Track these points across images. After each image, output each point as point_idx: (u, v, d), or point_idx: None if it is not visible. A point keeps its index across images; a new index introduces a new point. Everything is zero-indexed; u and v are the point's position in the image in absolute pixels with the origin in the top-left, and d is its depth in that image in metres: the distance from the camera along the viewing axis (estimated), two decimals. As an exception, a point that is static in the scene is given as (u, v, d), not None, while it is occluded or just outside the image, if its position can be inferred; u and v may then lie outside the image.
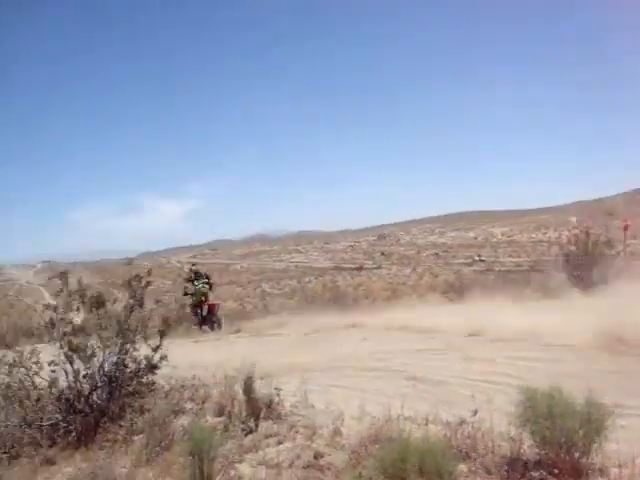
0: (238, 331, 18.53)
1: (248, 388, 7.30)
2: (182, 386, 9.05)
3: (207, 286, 20.60)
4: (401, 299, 26.28)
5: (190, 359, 14.08)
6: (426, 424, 5.68)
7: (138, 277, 8.60)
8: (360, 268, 68.31)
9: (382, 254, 71.97)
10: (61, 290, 8.67)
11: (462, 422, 5.69)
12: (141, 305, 8.53)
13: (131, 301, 8.53)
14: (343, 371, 9.24)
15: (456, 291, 28.84)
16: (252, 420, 7.01)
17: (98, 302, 8.34)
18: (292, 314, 21.80)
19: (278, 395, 7.35)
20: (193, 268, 22.35)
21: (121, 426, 7.83)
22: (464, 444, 5.34)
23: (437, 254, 66.39)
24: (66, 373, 8.22)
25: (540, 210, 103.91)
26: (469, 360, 9.03)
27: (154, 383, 8.86)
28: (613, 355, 8.86)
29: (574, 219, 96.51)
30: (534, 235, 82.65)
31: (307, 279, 73.15)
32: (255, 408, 7.16)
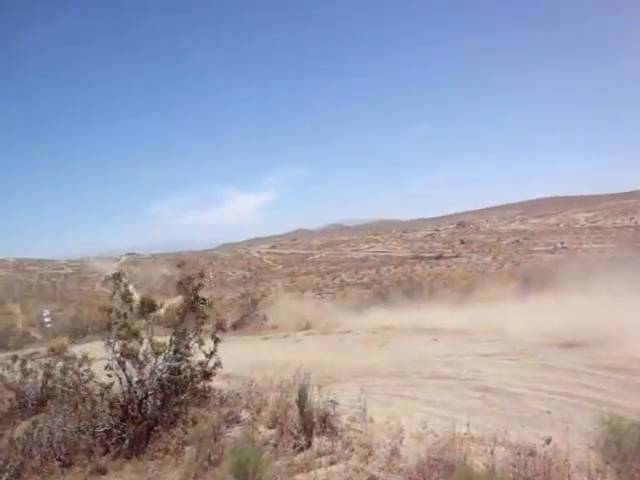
0: (308, 327, 18.13)
1: (302, 400, 6.78)
2: (237, 394, 8.61)
3: None
4: (480, 290, 25.04)
5: (256, 358, 13.76)
6: (491, 452, 4.95)
7: (190, 279, 8.17)
8: (439, 257, 67.11)
9: (462, 242, 70.52)
10: (114, 293, 8.38)
11: (532, 452, 4.93)
12: (193, 309, 8.11)
13: (184, 305, 8.13)
14: (409, 378, 8.55)
15: (538, 281, 27.53)
16: (305, 435, 6.48)
17: (148, 306, 7.98)
18: (364, 309, 21.16)
19: (334, 408, 6.78)
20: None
21: (173, 436, 7.50)
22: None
23: (518, 241, 64.47)
24: (119, 379, 7.95)
25: (626, 194, 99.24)
26: (546, 369, 8.02)
27: (209, 390, 8.48)
28: None
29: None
30: (619, 220, 78.76)
31: (385, 268, 72.48)
32: (309, 422, 6.63)
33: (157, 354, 8.17)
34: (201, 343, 8.49)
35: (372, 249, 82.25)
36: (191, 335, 8.47)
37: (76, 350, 8.80)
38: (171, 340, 8.36)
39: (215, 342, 8.45)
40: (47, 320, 36.49)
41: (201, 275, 8.32)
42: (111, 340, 8.17)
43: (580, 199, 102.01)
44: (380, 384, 8.32)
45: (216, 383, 9.70)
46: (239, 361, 13.87)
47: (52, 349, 17.57)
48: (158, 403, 8.12)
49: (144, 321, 8.37)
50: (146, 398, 8.05)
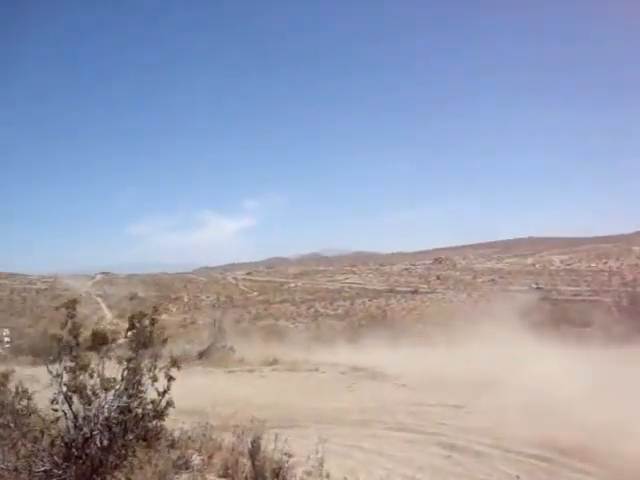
0: (275, 362, 17.59)
1: (255, 451, 6.31)
2: (189, 437, 8.08)
3: None
4: (455, 329, 24.74)
5: (218, 393, 13.27)
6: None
7: (142, 315, 7.69)
8: (415, 291, 66.81)
9: (437, 278, 70.25)
10: (66, 323, 7.86)
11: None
12: (146, 345, 7.62)
13: (135, 341, 7.63)
14: (372, 427, 8.09)
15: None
16: (256, 490, 6.01)
17: (100, 339, 7.49)
18: (334, 344, 20.69)
19: (288, 461, 6.30)
20: None
21: (117, 480, 6.96)
22: None
23: (494, 280, 64.41)
24: (65, 414, 7.41)
25: (601, 238, 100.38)
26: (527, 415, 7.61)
27: (161, 430, 7.95)
28: None
29: (637, 249, 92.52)
30: (594, 264, 79.40)
31: (360, 301, 72.00)
32: (261, 474, 6.16)
33: (106, 390, 7.66)
34: (154, 380, 8.00)
35: (348, 280, 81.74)
36: (144, 371, 7.96)
37: (35, 372, 8.18)
38: (122, 376, 7.84)
39: (169, 380, 7.96)
40: (6, 340, 35.28)
41: (155, 310, 7.85)
42: (59, 372, 7.63)
43: (555, 241, 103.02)
44: (341, 433, 7.85)
45: (172, 418, 9.17)
46: (201, 395, 13.35)
47: None
48: (104, 443, 7.58)
49: (96, 353, 7.88)
50: (91, 437, 7.50)
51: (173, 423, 8.45)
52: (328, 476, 6.26)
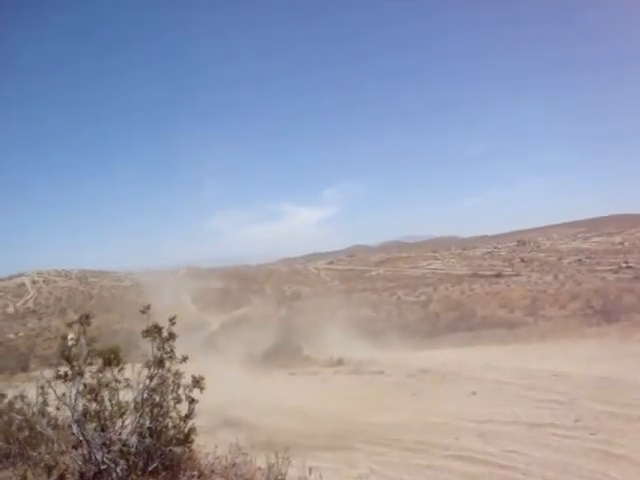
0: (339, 364, 16.50)
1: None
2: (212, 470, 7.03)
3: None
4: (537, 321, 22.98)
5: (273, 400, 12.35)
6: None
7: (158, 329, 6.68)
8: (498, 275, 64.52)
9: (522, 260, 67.57)
10: (78, 340, 6.95)
11: None
12: (162, 364, 6.62)
13: (154, 359, 6.65)
14: (430, 454, 6.79)
15: (603, 312, 25.10)
16: None
17: (109, 359, 6.53)
18: (406, 341, 19.43)
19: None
20: None
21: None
22: None
23: (580, 260, 61.25)
24: (79, 440, 6.52)
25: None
26: (608, 456, 5.78)
27: (190, 457, 6.96)
28: None
29: None
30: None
31: (443, 287, 70.16)
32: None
33: (122, 415, 6.70)
34: (178, 401, 6.99)
35: (430, 266, 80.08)
36: (166, 391, 6.96)
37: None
38: (142, 398, 6.86)
39: (191, 403, 6.94)
40: (70, 344, 35.66)
41: (172, 322, 6.83)
42: (72, 396, 6.73)
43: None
44: (393, 461, 6.64)
45: (220, 434, 8.21)
46: (255, 402, 12.49)
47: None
48: (120, 474, 6.64)
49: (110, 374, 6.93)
50: (107, 468, 6.56)
51: (215, 439, 7.45)
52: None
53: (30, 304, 74.69)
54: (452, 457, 6.52)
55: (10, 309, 72.12)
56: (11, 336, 53.68)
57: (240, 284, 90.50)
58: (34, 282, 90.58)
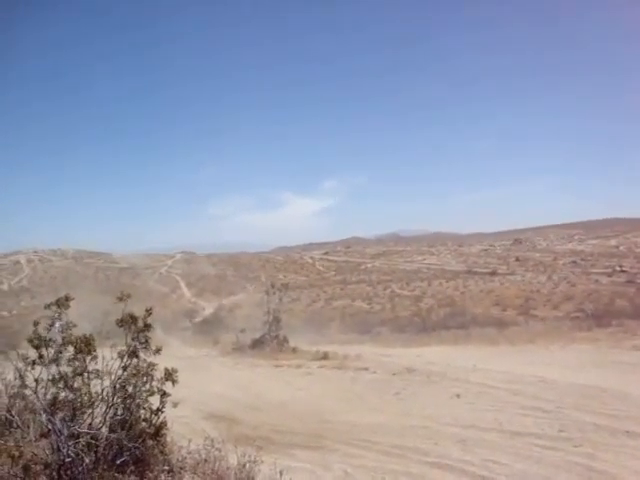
0: (324, 358, 16.35)
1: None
2: (181, 468, 6.81)
3: None
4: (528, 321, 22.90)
5: (256, 393, 12.19)
6: None
7: (133, 319, 6.47)
8: (493, 273, 64.49)
9: (517, 259, 67.52)
10: (52, 324, 6.74)
11: None
12: (136, 355, 6.42)
13: (128, 350, 6.44)
14: (407, 460, 6.55)
15: (595, 316, 24.95)
16: None
17: (82, 349, 6.32)
18: (397, 335, 19.29)
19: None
20: None
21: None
22: None
23: (575, 262, 61.22)
24: (48, 430, 6.33)
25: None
26: (590, 472, 5.43)
27: (162, 451, 6.76)
28: None
29: None
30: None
31: (437, 282, 70.11)
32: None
33: (92, 405, 6.51)
34: (150, 394, 6.78)
35: (426, 261, 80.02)
36: (138, 383, 6.77)
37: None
38: (115, 388, 6.67)
39: (162, 396, 6.74)
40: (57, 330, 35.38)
41: (148, 313, 6.61)
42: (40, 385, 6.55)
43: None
44: (370, 465, 6.44)
45: (200, 424, 8.04)
46: (238, 396, 12.33)
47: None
48: (88, 465, 6.43)
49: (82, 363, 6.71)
50: (75, 457, 6.35)
51: (193, 432, 7.28)
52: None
53: (24, 282, 74.62)
54: (430, 464, 6.30)
55: (4, 286, 72.06)
56: (4, 313, 53.58)
57: (236, 271, 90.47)
58: (29, 261, 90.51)
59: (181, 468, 6.69)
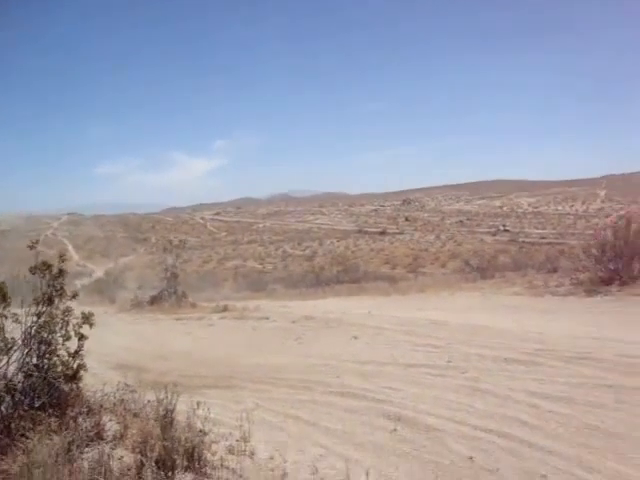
0: (224, 310, 16.85)
1: (165, 427, 5.44)
2: (101, 405, 7.13)
3: None
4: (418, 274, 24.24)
5: (160, 344, 12.52)
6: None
7: (47, 265, 6.67)
8: (383, 232, 66.60)
9: (406, 219, 70.18)
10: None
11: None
12: (51, 301, 6.63)
13: (43, 297, 6.63)
14: (313, 391, 7.25)
15: (480, 269, 26.90)
16: (165, 470, 5.15)
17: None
18: (291, 291, 19.99)
19: (203, 441, 5.43)
20: None
21: (17, 456, 6.04)
22: None
23: (462, 222, 64.40)
24: None
25: (568, 182, 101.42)
26: (475, 391, 6.53)
27: (78, 395, 7.02)
28: None
29: (603, 193, 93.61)
30: (561, 207, 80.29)
31: (329, 241, 71.63)
32: (173, 453, 5.30)
33: (8, 351, 6.67)
34: (67, 338, 7.02)
35: (317, 221, 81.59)
36: (55, 328, 6.98)
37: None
38: (29, 333, 6.85)
39: (80, 339, 7.00)
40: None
41: (62, 259, 6.82)
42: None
43: (524, 183, 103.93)
44: (279, 397, 7.02)
45: (108, 374, 8.32)
46: (142, 347, 12.61)
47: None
48: (8, 411, 6.62)
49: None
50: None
51: (102, 381, 7.55)
52: (253, 454, 5.41)
53: None
54: (334, 393, 6.98)
55: None
56: None
57: (125, 232, 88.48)
58: None
59: (101, 406, 7.00)
